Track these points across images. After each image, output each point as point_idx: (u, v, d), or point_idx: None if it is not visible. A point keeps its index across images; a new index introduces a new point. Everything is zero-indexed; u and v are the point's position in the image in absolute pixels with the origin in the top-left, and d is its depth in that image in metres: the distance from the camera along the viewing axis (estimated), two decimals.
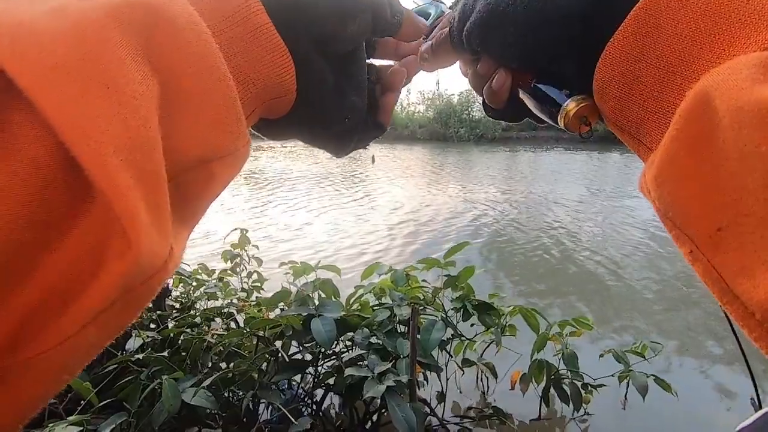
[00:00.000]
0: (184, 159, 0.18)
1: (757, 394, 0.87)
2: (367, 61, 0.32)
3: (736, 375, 1.92)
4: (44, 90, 0.13)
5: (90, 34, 0.15)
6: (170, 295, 1.45)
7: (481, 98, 0.32)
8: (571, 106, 0.26)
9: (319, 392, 1.32)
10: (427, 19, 0.39)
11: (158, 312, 1.30)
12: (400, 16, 0.29)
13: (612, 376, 1.45)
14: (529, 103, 0.29)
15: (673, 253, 3.64)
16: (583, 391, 1.42)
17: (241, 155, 0.21)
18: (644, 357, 1.43)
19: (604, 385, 1.45)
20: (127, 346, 1.07)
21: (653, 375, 1.37)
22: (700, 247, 0.18)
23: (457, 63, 0.35)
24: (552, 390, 1.41)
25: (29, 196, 0.13)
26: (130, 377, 0.98)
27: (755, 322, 0.15)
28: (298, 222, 4.96)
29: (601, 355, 1.49)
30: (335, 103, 0.27)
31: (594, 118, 0.26)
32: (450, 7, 0.36)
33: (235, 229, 1.85)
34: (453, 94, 25.03)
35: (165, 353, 1.04)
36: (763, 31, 0.18)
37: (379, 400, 1.17)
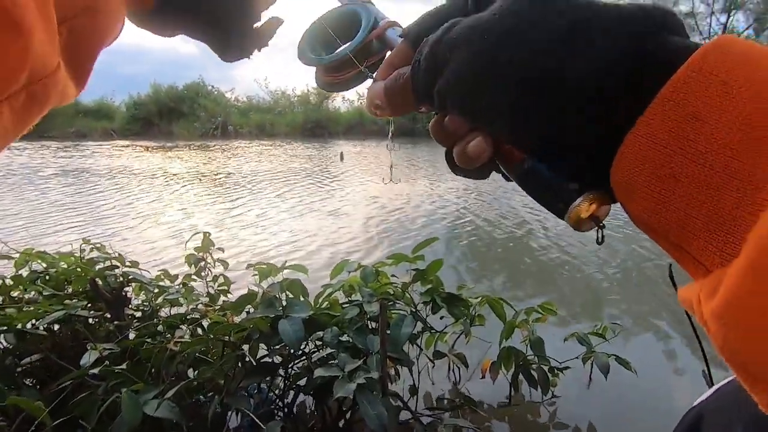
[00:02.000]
0: (73, 5, 0.21)
1: (708, 370, 0.93)
2: None
3: (691, 352, 2.03)
4: None
5: None
6: (129, 303, 1.39)
7: (445, 149, 0.27)
8: (583, 206, 0.21)
9: (292, 394, 1.31)
10: (358, 28, 0.33)
11: (116, 322, 1.25)
12: None
13: (576, 358, 1.50)
14: (518, 181, 0.25)
15: (628, 236, 3.81)
16: (549, 375, 1.47)
17: (121, 13, 0.24)
18: (605, 338, 1.49)
19: (569, 368, 1.51)
20: (81, 362, 1.01)
21: (614, 354, 1.43)
22: None
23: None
24: (521, 375, 1.46)
25: None
26: (86, 393, 0.93)
27: None
28: (267, 223, 4.87)
29: (566, 339, 1.54)
30: (197, 3, 0.29)
31: (605, 214, 0.22)
32: (401, 35, 0.29)
33: (197, 232, 1.80)
34: None
35: (124, 365, 1.00)
36: None
37: (351, 398, 1.17)
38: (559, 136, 0.21)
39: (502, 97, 0.21)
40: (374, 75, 0.30)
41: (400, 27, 0.32)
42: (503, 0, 0.23)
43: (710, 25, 24.88)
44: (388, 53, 0.31)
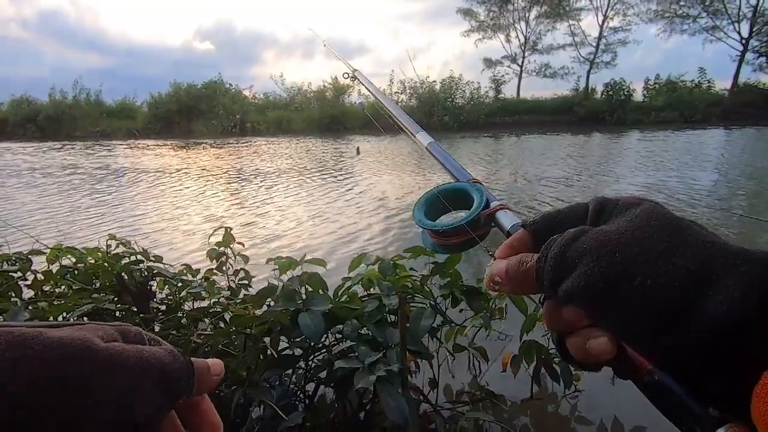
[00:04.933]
0: None
1: None
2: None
3: None
4: None
5: None
6: (154, 297, 1.42)
7: (554, 334, 0.29)
8: None
9: (312, 386, 1.32)
10: (465, 201, 0.39)
11: (142, 315, 1.28)
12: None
13: None
14: (645, 391, 0.25)
15: None
16: (572, 369, 1.44)
17: None
18: None
19: None
20: None
21: None
22: None
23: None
24: (543, 369, 1.43)
25: None
26: None
27: None
28: (286, 217, 4.91)
29: None
30: None
31: None
32: (524, 225, 0.33)
33: (219, 227, 1.83)
34: (435, 82, 25.00)
35: None
36: None
37: (372, 391, 1.17)
38: (689, 360, 0.22)
39: (632, 310, 0.23)
40: (489, 249, 0.35)
41: (509, 209, 0.37)
42: (628, 220, 0.26)
43: (739, 8, 23.86)
44: (497, 231, 0.37)
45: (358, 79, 0.79)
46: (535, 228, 0.31)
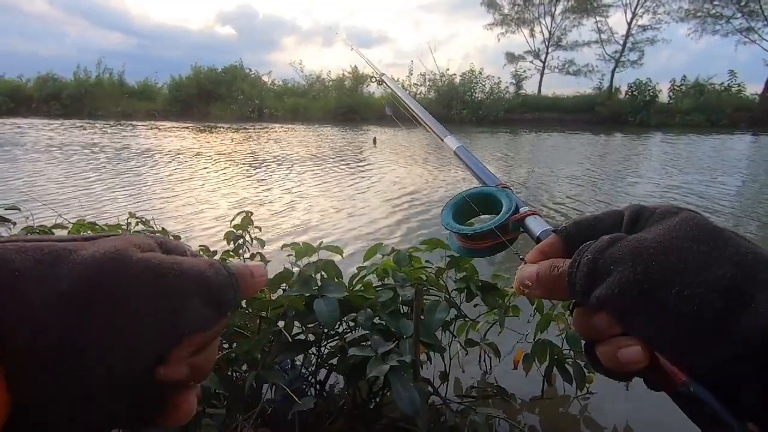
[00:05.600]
0: None
1: None
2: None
3: None
4: None
5: None
6: None
7: (584, 342, 0.29)
8: None
9: (323, 372, 1.33)
10: (494, 207, 0.39)
11: None
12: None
13: None
14: (679, 403, 0.25)
15: None
16: (586, 371, 1.42)
17: None
18: None
19: None
20: None
21: None
22: None
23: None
24: (555, 369, 1.42)
25: None
26: None
27: None
28: (304, 204, 4.94)
29: None
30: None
31: None
32: (556, 231, 0.32)
33: (241, 211, 1.84)
34: (455, 75, 24.71)
35: None
36: None
37: (382, 380, 1.17)
38: (726, 373, 0.21)
39: (667, 320, 0.23)
40: (520, 254, 0.34)
41: (539, 215, 0.37)
42: (667, 229, 0.25)
43: None
44: (527, 237, 0.37)
45: (386, 83, 0.82)
46: (567, 233, 0.31)
